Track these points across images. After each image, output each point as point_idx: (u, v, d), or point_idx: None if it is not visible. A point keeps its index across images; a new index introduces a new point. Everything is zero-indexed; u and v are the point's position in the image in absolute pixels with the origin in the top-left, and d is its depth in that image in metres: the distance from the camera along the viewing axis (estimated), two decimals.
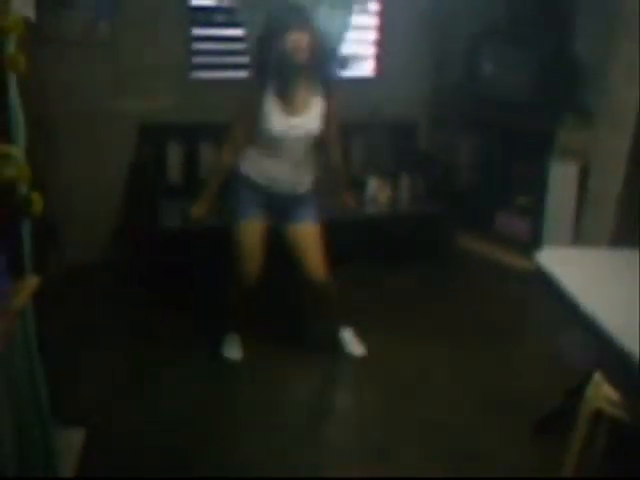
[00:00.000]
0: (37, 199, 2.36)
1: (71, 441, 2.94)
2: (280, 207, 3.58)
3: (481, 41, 5.16)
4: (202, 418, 3.31)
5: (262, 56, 3.48)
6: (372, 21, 5.21)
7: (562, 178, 4.71)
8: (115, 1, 4.43)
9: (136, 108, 4.59)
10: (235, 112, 3.52)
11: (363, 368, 3.79)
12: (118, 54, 4.52)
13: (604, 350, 2.48)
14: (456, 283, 4.84)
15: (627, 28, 3.98)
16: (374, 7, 5.18)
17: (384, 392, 3.60)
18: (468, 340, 4.07)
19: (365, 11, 5.08)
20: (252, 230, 3.55)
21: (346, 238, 4.36)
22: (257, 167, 3.52)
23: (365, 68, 5.32)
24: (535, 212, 4.95)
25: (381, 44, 5.26)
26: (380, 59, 5.28)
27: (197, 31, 4.82)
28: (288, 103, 3.41)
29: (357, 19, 4.89)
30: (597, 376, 2.61)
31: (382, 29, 5.23)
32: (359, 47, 5.23)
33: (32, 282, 2.43)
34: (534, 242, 4.61)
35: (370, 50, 5.28)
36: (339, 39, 4.63)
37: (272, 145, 3.46)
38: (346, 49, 4.92)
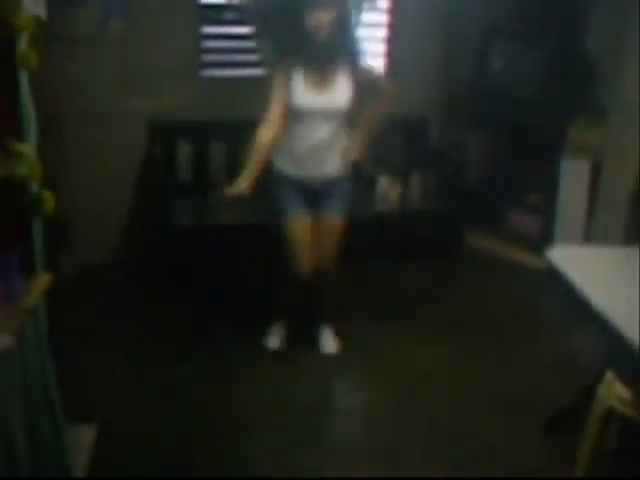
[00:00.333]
0: (48, 197, 2.37)
1: (82, 438, 2.95)
2: (313, 195, 3.62)
3: (492, 38, 5.14)
4: (213, 417, 3.32)
5: (285, 34, 3.49)
6: (382, 18, 5.20)
7: (574, 176, 4.68)
8: (126, 0, 4.44)
9: (146, 106, 4.60)
10: (271, 92, 3.51)
11: (372, 365, 3.79)
12: (128, 52, 4.52)
13: (615, 348, 2.48)
14: (467, 281, 4.83)
15: None
16: (384, 4, 5.17)
17: (393, 391, 3.59)
18: (478, 338, 4.05)
19: (375, 9, 5.05)
20: (298, 224, 3.60)
21: (357, 236, 4.35)
22: (288, 153, 3.55)
23: (376, 65, 5.30)
24: (546, 210, 4.93)
25: (392, 41, 5.24)
26: (391, 56, 5.26)
27: (207, 29, 4.82)
28: (314, 80, 3.44)
29: (367, 16, 4.87)
30: (609, 375, 2.61)
31: (393, 26, 5.21)
32: (370, 44, 5.21)
33: (44, 280, 2.44)
34: (545, 240, 4.60)
35: (381, 48, 5.27)
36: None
37: (301, 123, 3.48)
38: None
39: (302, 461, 3.05)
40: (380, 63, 5.27)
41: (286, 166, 3.59)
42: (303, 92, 3.43)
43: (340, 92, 3.48)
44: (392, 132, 5.12)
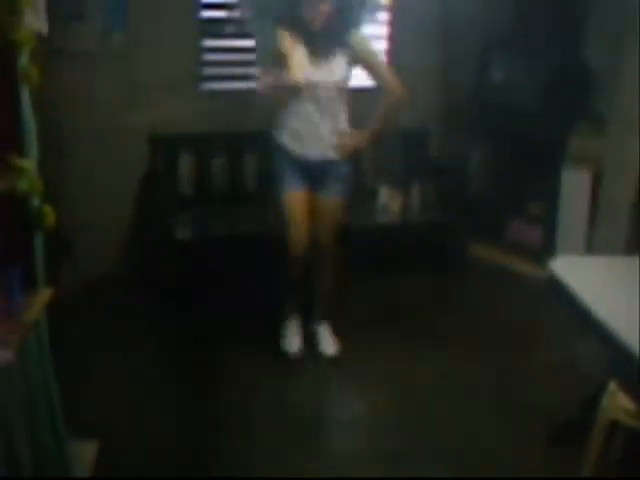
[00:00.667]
0: (49, 212, 2.37)
1: (84, 453, 2.94)
2: (314, 175, 3.65)
3: (492, 49, 5.15)
4: (215, 431, 3.31)
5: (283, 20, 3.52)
6: (382, 31, 5.21)
7: (575, 186, 4.68)
8: (126, 14, 4.45)
9: (147, 120, 4.60)
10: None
11: (376, 374, 3.79)
12: (128, 66, 4.54)
13: (617, 358, 2.47)
14: (469, 291, 4.82)
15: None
16: (384, 17, 5.18)
17: (397, 398, 3.59)
18: (480, 348, 4.05)
19: (375, 21, 5.06)
20: (294, 200, 3.66)
21: (357, 247, 4.36)
22: (288, 129, 3.59)
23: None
24: (547, 220, 4.93)
25: (391, 53, 5.25)
26: (390, 68, 5.26)
27: (207, 42, 4.83)
28: (312, 56, 3.48)
29: (367, 29, 4.88)
30: (612, 386, 2.60)
31: (392, 39, 5.22)
32: None
33: (45, 295, 2.44)
34: (546, 250, 4.59)
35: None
36: None
37: (299, 98, 3.51)
38: None
39: (302, 463, 3.07)
40: None
41: (287, 141, 3.62)
42: (301, 66, 3.45)
43: (338, 67, 3.52)
44: (393, 143, 5.15)
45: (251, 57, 4.74)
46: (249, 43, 4.69)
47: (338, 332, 3.97)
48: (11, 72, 2.24)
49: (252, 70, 4.78)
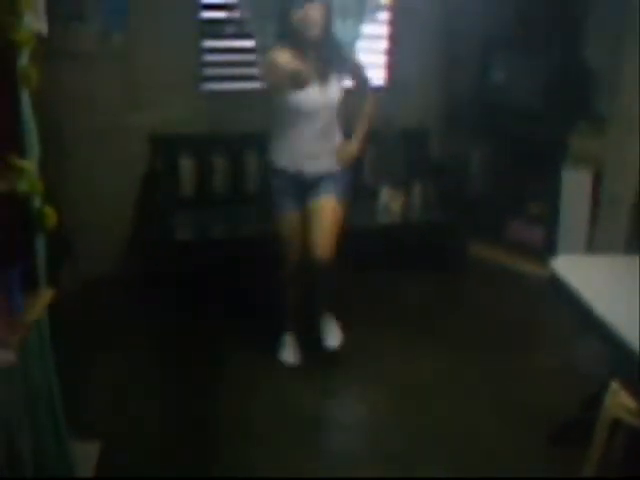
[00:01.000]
0: (50, 213, 2.37)
1: (86, 454, 2.93)
2: (309, 188, 3.64)
3: (492, 49, 5.15)
4: (217, 431, 3.31)
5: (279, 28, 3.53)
6: (383, 30, 5.21)
7: (575, 185, 4.68)
8: (126, 14, 4.45)
9: (148, 120, 4.60)
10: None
11: (376, 374, 3.79)
12: (128, 67, 4.54)
13: (618, 357, 2.47)
14: (469, 291, 4.82)
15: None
16: (385, 16, 5.18)
17: (396, 399, 3.58)
18: (480, 348, 4.04)
19: (376, 20, 5.07)
20: (288, 221, 3.67)
21: (359, 247, 4.35)
22: (286, 149, 3.59)
23: (376, 77, 5.31)
24: (548, 220, 4.92)
25: (392, 53, 5.25)
26: (391, 68, 5.27)
27: (207, 43, 4.83)
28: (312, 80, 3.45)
29: (368, 28, 4.90)
30: (614, 385, 2.59)
31: (393, 38, 5.22)
32: (370, 56, 5.23)
33: (46, 296, 2.44)
34: (547, 250, 4.59)
35: (381, 59, 5.28)
36: (350, 48, 4.63)
37: (297, 119, 3.50)
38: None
39: (302, 463, 3.07)
40: (380, 75, 5.28)
41: (284, 160, 3.61)
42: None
43: (333, 88, 3.51)
44: (393, 143, 5.15)
45: (251, 57, 4.74)
46: (249, 44, 4.70)
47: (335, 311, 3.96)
48: (11, 72, 2.24)
49: (252, 70, 4.79)
